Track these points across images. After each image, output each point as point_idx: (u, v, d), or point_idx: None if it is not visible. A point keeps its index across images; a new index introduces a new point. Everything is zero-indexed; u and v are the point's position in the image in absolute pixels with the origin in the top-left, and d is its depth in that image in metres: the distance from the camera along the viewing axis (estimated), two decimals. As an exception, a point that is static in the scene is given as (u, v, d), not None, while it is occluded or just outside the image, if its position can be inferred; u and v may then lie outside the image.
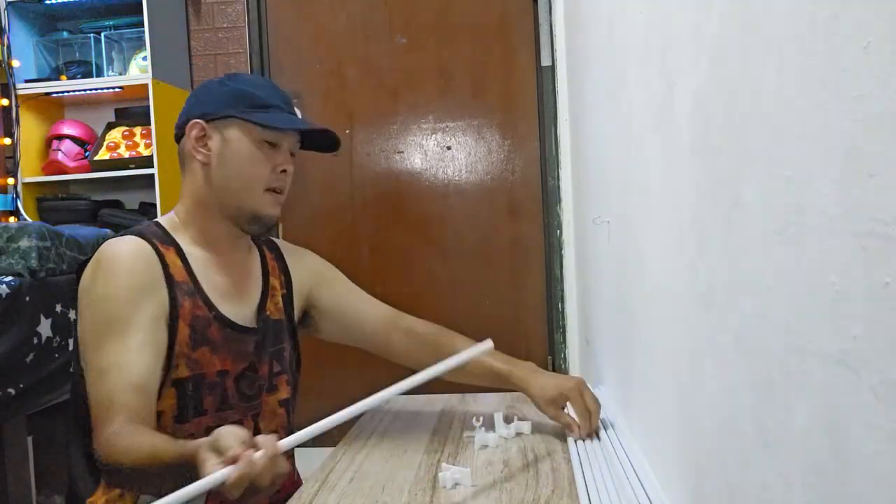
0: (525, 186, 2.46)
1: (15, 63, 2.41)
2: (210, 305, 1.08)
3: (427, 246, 2.51)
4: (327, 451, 1.17)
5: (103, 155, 2.48)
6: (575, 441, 1.11)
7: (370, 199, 2.52)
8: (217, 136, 1.09)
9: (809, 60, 0.43)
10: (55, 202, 2.48)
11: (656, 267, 0.89)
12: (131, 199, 2.56)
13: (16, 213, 2.41)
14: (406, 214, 2.51)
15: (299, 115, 1.18)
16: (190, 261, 1.09)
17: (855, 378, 0.39)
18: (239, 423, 1.08)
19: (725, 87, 0.59)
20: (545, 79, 2.38)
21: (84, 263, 1.07)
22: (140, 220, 2.44)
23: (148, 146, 2.45)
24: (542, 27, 2.38)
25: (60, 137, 2.50)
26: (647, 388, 0.99)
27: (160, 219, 1.15)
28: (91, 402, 0.98)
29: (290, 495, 1.12)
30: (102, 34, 2.50)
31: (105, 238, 1.75)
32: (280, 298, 1.20)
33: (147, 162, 2.36)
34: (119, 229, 2.03)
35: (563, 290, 2.32)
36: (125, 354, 0.98)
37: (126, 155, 2.46)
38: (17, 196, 2.41)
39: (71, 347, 1.62)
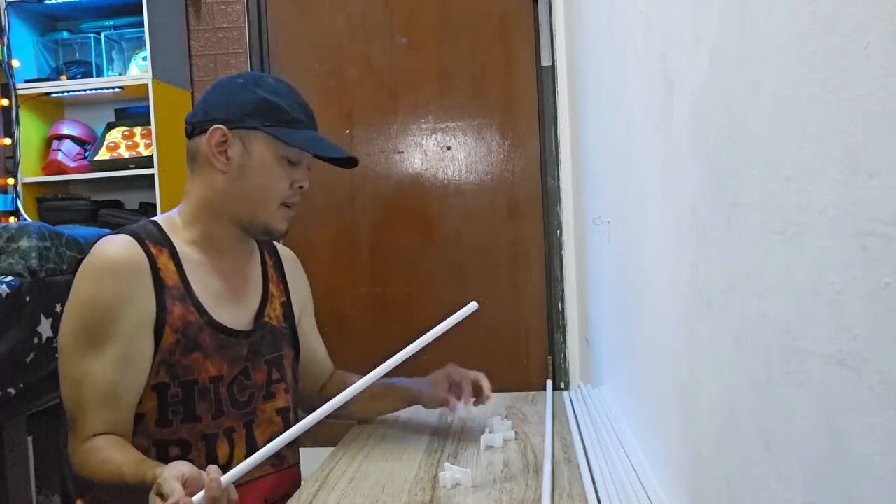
0: (525, 186, 2.46)
1: (15, 63, 2.41)
2: (202, 310, 1.06)
3: (427, 246, 2.51)
4: (327, 451, 1.17)
5: (103, 155, 2.48)
6: (581, 442, 1.11)
7: (370, 199, 2.52)
8: (238, 145, 1.07)
9: (809, 60, 0.43)
10: (55, 202, 2.48)
11: (656, 267, 0.89)
12: (131, 199, 2.56)
13: (16, 213, 2.41)
14: (406, 214, 2.51)
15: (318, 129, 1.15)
16: (184, 263, 1.07)
17: (855, 378, 0.39)
18: (231, 430, 1.07)
19: (725, 87, 0.59)
20: (545, 79, 2.38)
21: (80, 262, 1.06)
22: (140, 220, 2.44)
23: (148, 146, 2.45)
24: (542, 27, 2.38)
25: (60, 137, 2.50)
26: (647, 388, 0.99)
27: (159, 217, 1.13)
28: (66, 410, 1.00)
29: (290, 495, 1.13)
30: (102, 34, 2.50)
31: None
32: (279, 306, 1.19)
33: (147, 162, 2.36)
34: (119, 229, 2.03)
35: (563, 290, 2.32)
36: (102, 368, 0.98)
37: (126, 155, 2.46)
38: (17, 196, 2.41)
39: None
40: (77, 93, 2.49)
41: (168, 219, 1.12)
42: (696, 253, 0.69)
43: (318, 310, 1.36)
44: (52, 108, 2.61)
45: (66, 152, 2.47)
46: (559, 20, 2.24)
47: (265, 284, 1.18)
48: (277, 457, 1.10)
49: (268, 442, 1.02)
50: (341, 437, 1.24)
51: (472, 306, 1.09)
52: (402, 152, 2.51)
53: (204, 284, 1.08)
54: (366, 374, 0.99)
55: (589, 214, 1.66)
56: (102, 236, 1.10)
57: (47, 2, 2.48)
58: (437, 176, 2.50)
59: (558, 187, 2.30)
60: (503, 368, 2.44)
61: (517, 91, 2.46)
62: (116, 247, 1.03)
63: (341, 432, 1.28)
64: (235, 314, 1.11)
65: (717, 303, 0.63)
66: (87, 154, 2.51)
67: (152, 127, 2.32)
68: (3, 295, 1.46)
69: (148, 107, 2.33)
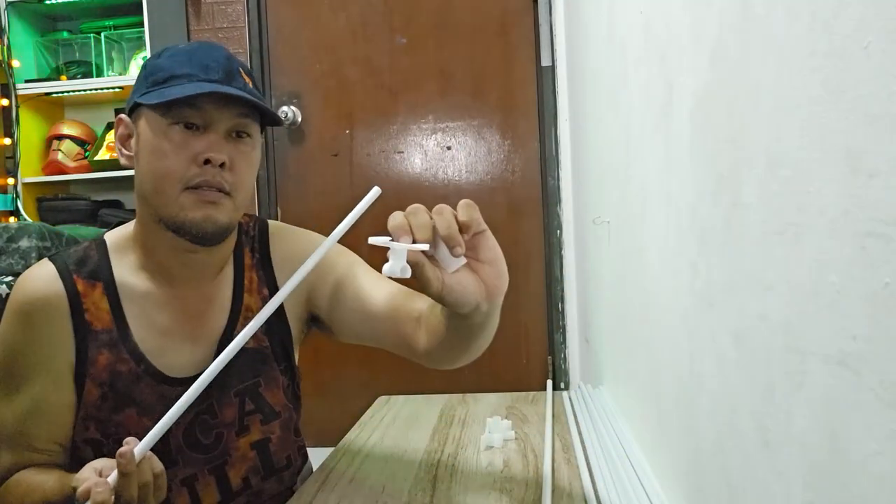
0: (525, 186, 2.46)
1: (15, 63, 2.41)
2: (139, 358, 0.90)
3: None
4: (327, 451, 1.17)
5: (103, 155, 2.48)
6: (581, 442, 1.11)
7: (370, 199, 2.52)
8: (134, 130, 0.88)
9: (809, 60, 0.43)
10: (55, 202, 2.48)
11: (656, 267, 0.89)
12: (131, 200, 2.56)
13: (16, 213, 2.41)
14: (406, 214, 2.51)
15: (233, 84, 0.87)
16: (123, 300, 0.90)
17: (855, 378, 0.39)
18: (193, 478, 0.94)
19: (725, 87, 0.59)
20: (545, 79, 2.38)
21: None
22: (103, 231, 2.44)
23: (148, 146, 2.45)
24: (542, 27, 2.38)
25: (60, 137, 2.50)
26: (647, 388, 0.99)
27: (112, 234, 0.96)
28: None
29: (290, 495, 1.13)
30: (102, 34, 2.50)
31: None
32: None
33: (147, 162, 2.36)
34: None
35: (563, 290, 2.32)
36: (10, 414, 0.89)
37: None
38: (17, 196, 2.41)
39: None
40: (77, 93, 2.49)
41: (119, 236, 0.95)
42: (696, 253, 0.69)
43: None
44: (52, 108, 2.61)
45: (66, 152, 2.47)
46: (559, 20, 2.24)
47: (237, 299, 0.97)
48: (278, 480, 1.02)
49: (244, 480, 0.95)
50: (341, 438, 1.24)
51: (376, 191, 0.87)
52: (402, 152, 2.51)
53: (147, 323, 0.91)
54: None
55: (589, 214, 1.66)
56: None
57: (47, 2, 2.48)
58: (437, 176, 2.50)
59: (558, 187, 2.30)
60: (503, 368, 2.44)
61: (517, 91, 2.46)
62: (32, 283, 0.90)
63: (341, 432, 1.28)
64: (187, 356, 0.93)
65: (717, 303, 0.63)
66: (87, 154, 2.51)
67: (152, 127, 2.32)
68: (3, 295, 1.46)
69: (148, 107, 2.33)
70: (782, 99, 0.48)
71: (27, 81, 2.44)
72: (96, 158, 2.46)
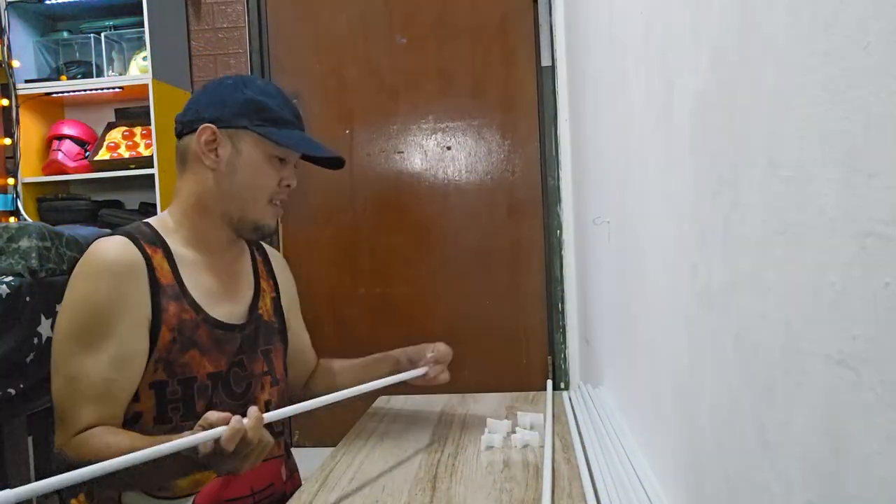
0: (525, 186, 2.46)
1: (15, 63, 2.41)
2: (197, 308, 1.07)
3: (427, 246, 2.51)
4: (327, 451, 1.17)
5: (103, 155, 2.48)
6: (581, 443, 1.11)
7: (370, 199, 2.52)
8: (228, 144, 1.09)
9: (809, 60, 0.43)
10: (55, 202, 2.48)
11: (656, 267, 0.89)
12: (131, 200, 2.56)
13: (16, 213, 2.41)
14: (406, 214, 2.51)
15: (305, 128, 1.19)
16: (178, 263, 1.08)
17: (855, 378, 0.39)
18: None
19: (725, 87, 0.59)
20: (545, 79, 2.37)
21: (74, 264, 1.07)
22: (139, 220, 2.44)
23: (148, 146, 2.45)
24: (542, 27, 2.38)
25: (60, 137, 2.50)
26: (647, 388, 0.99)
27: (151, 219, 1.14)
28: (55, 404, 1.00)
29: (289, 495, 1.13)
30: (102, 34, 2.50)
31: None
32: (269, 301, 1.21)
33: (147, 162, 2.36)
34: (119, 229, 2.03)
35: (563, 290, 2.32)
36: (97, 366, 0.99)
37: (126, 155, 2.46)
38: (17, 196, 2.41)
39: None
40: (77, 93, 2.49)
41: (160, 220, 1.13)
42: (696, 253, 0.69)
43: (318, 310, 1.37)
44: (52, 108, 2.61)
45: (66, 152, 2.47)
46: (559, 20, 2.24)
47: (256, 280, 1.21)
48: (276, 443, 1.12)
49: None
50: (341, 437, 1.24)
51: (421, 371, 1.22)
52: (402, 152, 2.51)
53: (198, 282, 1.09)
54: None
55: (589, 214, 1.66)
56: (101, 237, 1.11)
57: (47, 2, 2.48)
58: (437, 176, 2.50)
59: (558, 187, 2.30)
60: (503, 368, 2.44)
61: (517, 91, 2.46)
62: (112, 247, 1.04)
63: (341, 432, 1.28)
64: (230, 309, 1.13)
65: (717, 303, 0.63)
66: (87, 154, 2.51)
67: (152, 127, 2.32)
68: (3, 295, 1.46)
69: (148, 107, 2.34)
70: (782, 99, 0.48)
71: (27, 81, 2.44)
72: (96, 158, 2.46)
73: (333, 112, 2.52)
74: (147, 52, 2.34)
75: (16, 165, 2.41)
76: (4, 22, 2.38)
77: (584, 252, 1.85)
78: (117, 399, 1.00)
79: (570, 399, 1.43)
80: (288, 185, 1.14)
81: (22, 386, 1.50)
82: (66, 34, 2.59)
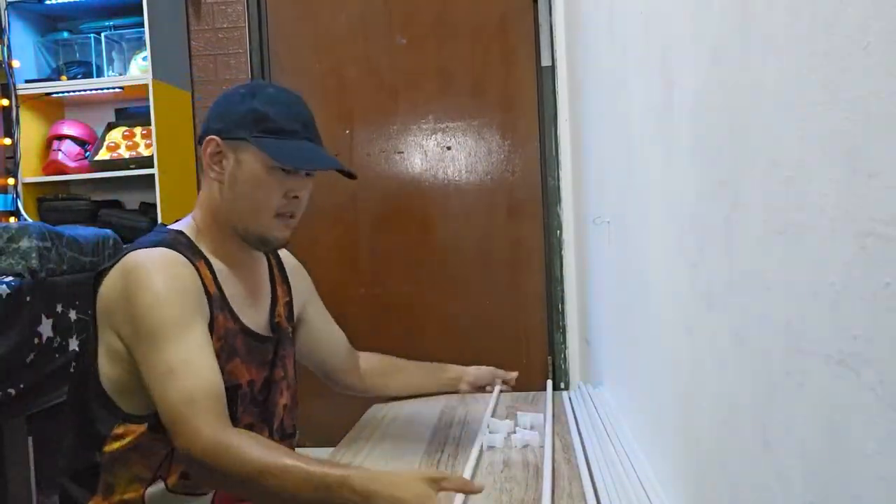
0: (525, 186, 2.46)
1: (15, 63, 2.41)
2: (235, 317, 1.08)
3: (427, 246, 2.51)
4: (327, 451, 1.17)
5: (103, 155, 2.47)
6: (581, 444, 1.11)
7: (370, 199, 2.51)
8: (231, 155, 1.07)
9: (809, 60, 0.43)
10: (55, 202, 2.48)
11: (656, 267, 0.89)
12: (131, 200, 2.56)
13: (16, 213, 2.41)
14: (406, 214, 2.51)
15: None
16: (216, 272, 1.08)
17: (855, 378, 0.39)
18: (250, 427, 1.07)
19: (725, 88, 0.59)
20: (545, 79, 2.37)
21: (100, 275, 1.04)
22: (140, 220, 2.43)
23: (148, 146, 2.44)
24: (542, 27, 2.37)
25: (60, 137, 2.50)
26: (647, 388, 0.99)
27: (180, 226, 1.12)
28: (164, 403, 0.94)
29: None
30: (102, 34, 2.50)
31: (117, 242, 1.75)
32: (283, 306, 1.21)
33: (147, 162, 2.36)
34: (119, 229, 2.02)
35: (563, 290, 2.32)
36: (192, 353, 0.96)
37: (126, 155, 2.46)
38: (18, 196, 2.41)
39: (72, 348, 1.62)
40: (77, 93, 2.49)
41: (190, 228, 1.12)
42: (696, 253, 0.69)
43: (317, 310, 1.36)
44: (52, 108, 2.61)
45: (66, 152, 2.46)
46: (559, 20, 2.24)
47: (273, 286, 1.20)
48: (288, 445, 1.13)
49: (279, 431, 1.13)
50: (341, 437, 1.24)
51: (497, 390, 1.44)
52: (402, 152, 2.51)
53: (231, 291, 1.09)
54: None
55: (589, 214, 1.66)
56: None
57: (47, 2, 2.47)
58: (437, 176, 2.50)
59: (558, 187, 2.30)
60: (503, 368, 2.44)
61: (517, 91, 2.46)
62: (162, 255, 1.02)
63: (341, 432, 1.28)
64: (256, 319, 1.13)
65: (717, 303, 0.63)
66: (87, 154, 2.51)
67: (152, 127, 2.32)
68: (3, 295, 1.46)
69: (148, 107, 2.33)
70: (782, 99, 0.48)
71: (27, 81, 2.44)
72: (96, 158, 2.46)
73: (333, 112, 2.52)
74: (147, 52, 2.33)
75: (16, 165, 2.41)
76: (4, 22, 2.38)
77: (584, 252, 1.85)
78: (220, 384, 0.96)
79: (570, 399, 1.43)
80: (296, 197, 1.09)
81: (22, 386, 1.49)
82: (66, 34, 2.59)
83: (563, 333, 2.34)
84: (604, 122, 1.38)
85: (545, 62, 2.37)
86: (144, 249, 1.03)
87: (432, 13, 2.47)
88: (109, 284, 1.02)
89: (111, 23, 2.54)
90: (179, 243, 1.06)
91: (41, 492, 1.67)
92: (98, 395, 1.03)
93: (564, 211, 2.28)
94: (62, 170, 2.44)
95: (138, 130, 2.51)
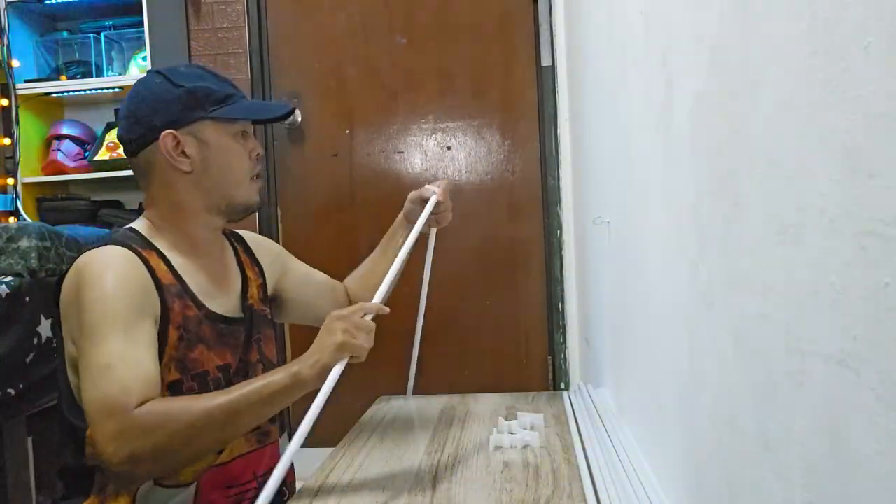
0: (525, 186, 2.46)
1: (15, 63, 2.41)
2: (199, 304, 1.08)
3: (426, 247, 2.51)
4: (327, 451, 1.17)
5: (103, 155, 2.47)
6: (582, 444, 1.11)
7: (370, 199, 2.51)
8: (192, 141, 1.08)
9: (809, 60, 0.43)
10: (55, 202, 2.48)
11: (656, 267, 0.89)
12: (131, 199, 2.56)
13: (16, 213, 2.41)
14: (406, 214, 2.51)
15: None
16: (172, 263, 1.08)
17: (855, 378, 0.39)
18: None
19: (725, 87, 0.59)
20: (545, 79, 2.37)
21: (61, 277, 1.04)
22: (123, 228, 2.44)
23: (148, 146, 2.44)
24: (542, 27, 2.37)
25: (60, 137, 2.50)
26: (647, 388, 0.99)
27: (134, 224, 1.12)
28: (94, 400, 0.93)
29: (289, 483, 1.14)
30: (102, 34, 2.50)
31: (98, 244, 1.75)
32: (257, 289, 1.21)
33: (147, 162, 2.36)
34: (119, 229, 2.02)
35: (563, 290, 2.32)
36: (131, 349, 0.95)
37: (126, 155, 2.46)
38: (17, 196, 2.41)
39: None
40: (77, 93, 2.49)
41: (144, 225, 1.11)
42: (696, 253, 0.69)
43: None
44: (52, 108, 2.61)
45: (66, 152, 2.46)
46: (559, 20, 2.24)
47: (242, 271, 1.21)
48: (263, 433, 1.13)
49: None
50: (341, 437, 1.25)
51: (433, 199, 1.38)
52: (402, 152, 2.51)
53: (194, 280, 1.09)
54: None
55: (589, 214, 1.66)
56: (102, 237, 1.10)
57: (47, 2, 2.47)
58: (437, 176, 2.50)
59: (558, 187, 2.30)
60: (503, 368, 2.44)
61: (517, 91, 2.46)
62: (108, 251, 1.02)
63: (341, 432, 1.28)
64: (225, 304, 1.13)
65: (718, 303, 0.63)
66: (86, 154, 2.51)
67: (152, 127, 2.32)
68: (3, 295, 1.46)
69: (148, 107, 2.33)
70: (782, 99, 0.48)
71: (27, 81, 2.44)
72: (96, 158, 2.46)
73: (333, 112, 2.52)
74: (147, 52, 2.34)
75: (15, 165, 2.41)
76: (4, 22, 2.38)
77: (584, 252, 1.85)
78: (157, 381, 0.97)
79: (570, 399, 1.43)
80: (258, 155, 1.14)
81: (22, 386, 1.50)
82: (65, 34, 2.59)
83: (563, 333, 2.34)
84: (604, 121, 1.37)
85: (545, 62, 2.37)
86: (93, 249, 1.03)
87: (432, 13, 2.47)
88: (64, 290, 1.02)
89: (111, 22, 2.54)
90: (129, 238, 1.07)
91: (41, 492, 1.67)
92: (70, 404, 1.03)
93: (564, 211, 2.28)
94: (62, 170, 2.44)
95: (138, 130, 2.51)
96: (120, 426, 0.91)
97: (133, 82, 1.06)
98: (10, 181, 2.41)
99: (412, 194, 1.42)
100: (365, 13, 2.49)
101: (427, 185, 1.40)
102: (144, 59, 2.37)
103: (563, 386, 2.32)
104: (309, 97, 2.52)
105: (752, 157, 0.53)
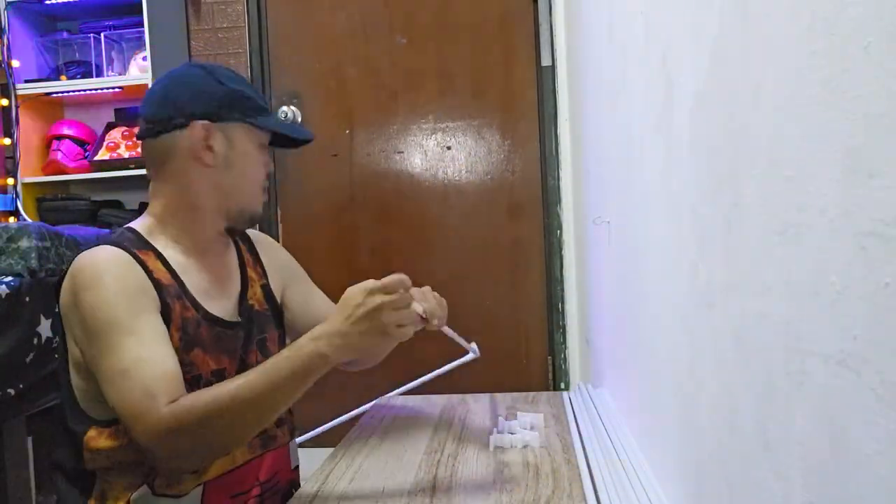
0: (525, 186, 2.46)
1: (15, 63, 2.41)
2: (197, 305, 1.06)
3: (427, 246, 2.51)
4: (327, 451, 1.17)
5: (103, 155, 2.47)
6: (582, 444, 1.11)
7: (370, 199, 2.51)
8: (221, 138, 1.07)
9: (809, 60, 0.43)
10: (55, 202, 2.48)
11: (656, 267, 0.89)
12: (131, 199, 2.56)
13: (16, 213, 2.41)
14: (406, 214, 2.51)
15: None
16: (170, 262, 1.06)
17: (855, 378, 0.39)
18: None
19: (725, 87, 0.59)
20: (545, 79, 2.37)
21: (61, 277, 1.03)
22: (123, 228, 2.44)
23: (148, 146, 2.44)
24: (542, 27, 2.37)
25: (60, 137, 2.50)
26: (647, 388, 0.99)
27: (133, 224, 1.10)
28: (123, 402, 0.92)
29: (280, 472, 1.14)
30: (102, 34, 2.50)
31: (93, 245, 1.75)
32: (259, 289, 1.19)
33: (147, 162, 2.36)
34: (119, 229, 2.03)
35: (563, 290, 2.32)
36: (143, 349, 0.94)
37: (126, 155, 2.46)
38: (17, 196, 2.41)
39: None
40: (77, 93, 2.49)
41: (142, 224, 1.10)
42: (696, 253, 0.69)
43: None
44: (51, 108, 2.61)
45: (66, 152, 2.46)
46: (559, 20, 2.24)
47: (243, 271, 1.19)
48: (269, 437, 1.11)
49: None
50: (341, 438, 1.24)
51: (474, 352, 1.26)
52: (402, 152, 2.51)
53: (192, 280, 1.07)
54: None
55: (589, 214, 1.66)
56: (102, 237, 1.10)
57: (47, 2, 2.47)
58: (437, 176, 2.50)
59: (558, 187, 2.30)
60: (503, 368, 2.44)
61: (517, 91, 2.45)
62: (103, 253, 1.00)
63: (341, 432, 1.28)
64: (224, 306, 1.11)
65: (718, 303, 0.63)
66: (86, 154, 2.51)
67: (152, 127, 2.31)
68: (3, 295, 1.46)
69: (148, 107, 2.33)
70: (782, 99, 0.48)
71: (27, 81, 2.44)
72: (96, 158, 2.46)
73: (333, 112, 2.52)
74: (147, 52, 2.34)
75: (15, 165, 2.41)
76: (4, 22, 2.38)
77: (584, 252, 1.85)
78: (178, 374, 0.95)
79: (570, 399, 1.43)
80: (269, 170, 1.16)
81: (22, 386, 1.49)
82: (66, 34, 2.59)
83: (563, 333, 2.34)
84: (604, 122, 1.38)
85: (545, 62, 2.37)
86: (88, 251, 1.02)
87: (432, 13, 2.47)
88: (62, 294, 1.01)
89: (111, 23, 2.54)
90: (125, 238, 1.05)
91: (41, 492, 1.67)
92: (71, 405, 1.03)
93: (564, 211, 2.28)
94: (62, 170, 2.44)
95: (138, 130, 2.52)
96: (152, 429, 0.90)
97: (133, 82, 1.07)
98: (10, 181, 2.41)
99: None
100: (365, 13, 2.49)
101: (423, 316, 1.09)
102: (144, 59, 2.37)
103: (563, 386, 2.32)
104: (309, 97, 2.51)
105: (752, 157, 0.53)
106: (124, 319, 0.96)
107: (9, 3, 2.40)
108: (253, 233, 1.27)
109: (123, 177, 2.39)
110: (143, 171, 2.50)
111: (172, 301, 1.02)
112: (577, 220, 2.12)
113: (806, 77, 0.44)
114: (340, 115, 2.51)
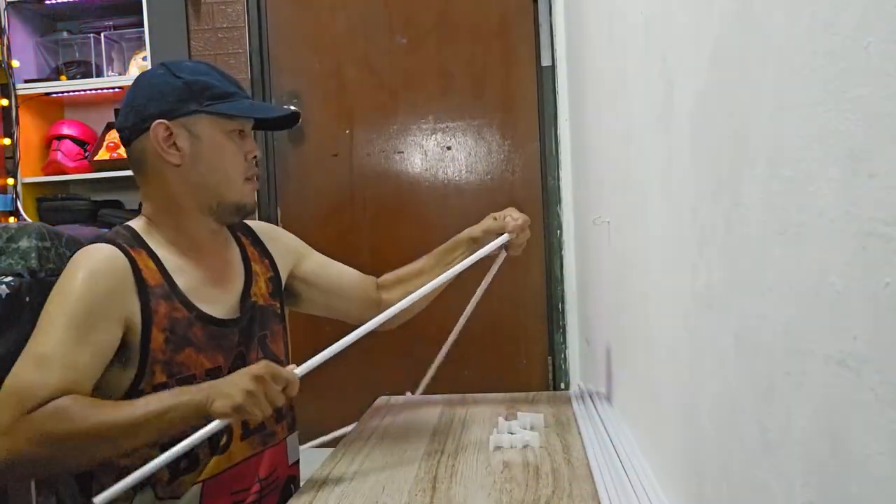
0: (525, 186, 2.46)
1: (15, 63, 2.41)
2: (189, 306, 1.05)
3: (427, 246, 2.50)
4: (327, 451, 1.17)
5: (103, 155, 2.48)
6: (583, 443, 1.11)
7: (370, 199, 2.51)
8: (184, 133, 1.06)
9: (809, 60, 0.43)
10: (55, 202, 2.48)
11: (656, 267, 0.89)
12: (131, 199, 2.56)
13: (15, 213, 2.41)
14: (406, 214, 2.51)
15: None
16: (164, 262, 1.06)
17: (855, 378, 0.39)
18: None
19: (725, 87, 0.59)
20: (545, 79, 2.37)
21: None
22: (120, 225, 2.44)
23: (148, 146, 2.44)
24: (542, 27, 2.37)
25: (60, 137, 2.50)
26: (647, 388, 0.99)
27: (131, 222, 1.11)
28: (12, 379, 0.92)
29: (279, 468, 1.14)
30: (102, 34, 2.50)
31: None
32: (265, 283, 1.18)
33: (147, 162, 2.36)
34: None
35: (563, 290, 2.32)
36: (74, 349, 0.94)
37: (126, 155, 2.46)
38: (17, 196, 2.41)
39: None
40: (77, 93, 2.49)
41: (139, 223, 1.11)
42: (696, 253, 0.69)
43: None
44: (51, 108, 2.61)
45: (66, 152, 2.46)
46: (559, 20, 2.24)
47: (247, 266, 1.18)
48: (269, 434, 1.12)
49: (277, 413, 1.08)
50: (341, 438, 1.24)
51: (505, 237, 1.32)
52: (402, 152, 2.51)
53: (186, 279, 1.07)
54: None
55: (589, 214, 1.66)
56: (98, 236, 1.10)
57: (47, 2, 2.48)
58: (437, 176, 2.50)
59: (558, 187, 2.30)
60: (503, 368, 2.44)
61: (517, 91, 2.45)
62: (96, 250, 1.02)
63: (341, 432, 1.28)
64: (223, 303, 1.11)
65: (718, 303, 0.63)
66: (86, 154, 2.51)
67: (152, 127, 2.32)
68: (3, 295, 1.46)
69: (148, 107, 2.33)
70: (782, 99, 0.48)
71: (27, 81, 2.44)
72: (96, 158, 2.46)
73: (333, 112, 2.52)
74: (147, 52, 2.34)
75: (15, 165, 2.41)
76: (4, 22, 2.38)
77: (584, 252, 1.85)
78: (86, 384, 0.96)
79: (570, 399, 1.43)
80: (255, 157, 1.12)
81: (22, 386, 1.50)
82: (66, 34, 2.59)
83: (563, 333, 2.34)
84: (604, 122, 1.38)
85: (545, 62, 2.37)
86: (87, 246, 1.04)
87: (432, 13, 2.47)
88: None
89: (111, 23, 2.54)
90: (119, 236, 1.06)
91: (41, 492, 1.67)
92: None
93: (564, 211, 2.28)
94: (62, 170, 2.44)
95: (138, 130, 2.51)
96: (15, 422, 0.89)
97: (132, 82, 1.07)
98: (10, 181, 2.41)
99: (490, 224, 1.36)
100: (365, 13, 2.49)
101: (508, 217, 1.34)
102: (144, 59, 2.37)
103: (563, 386, 2.32)
104: (309, 97, 2.51)
105: (752, 157, 0.53)
106: (78, 314, 0.96)
107: (9, 3, 2.40)
108: (256, 224, 1.26)
109: (123, 177, 2.39)
110: (143, 172, 2.49)
111: (158, 302, 1.02)
112: (577, 220, 2.12)
113: (806, 77, 0.44)
114: (340, 115, 2.51)
